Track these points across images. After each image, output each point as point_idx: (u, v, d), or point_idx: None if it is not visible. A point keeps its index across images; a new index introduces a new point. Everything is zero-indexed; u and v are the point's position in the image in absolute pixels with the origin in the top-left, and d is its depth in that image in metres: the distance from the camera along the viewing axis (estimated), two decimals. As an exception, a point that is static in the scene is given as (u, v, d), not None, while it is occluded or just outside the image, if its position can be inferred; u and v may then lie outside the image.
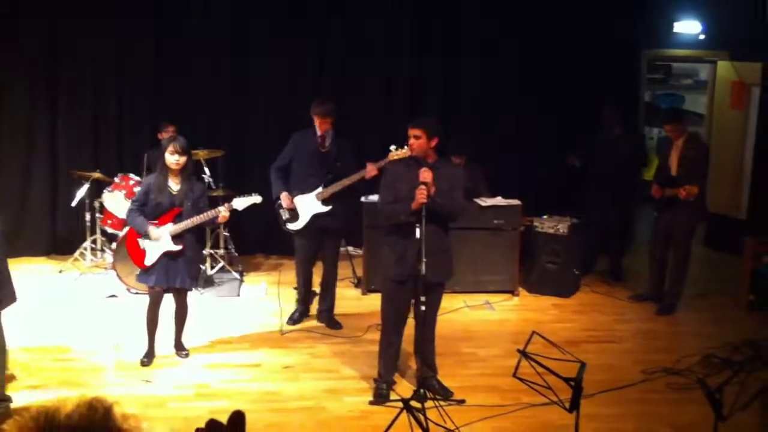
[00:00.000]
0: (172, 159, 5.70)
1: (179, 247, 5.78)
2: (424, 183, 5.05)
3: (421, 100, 8.99)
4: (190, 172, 5.89)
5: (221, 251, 8.11)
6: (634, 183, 8.39)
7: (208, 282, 7.79)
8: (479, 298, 7.58)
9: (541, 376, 3.81)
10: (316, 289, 7.05)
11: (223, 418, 2.16)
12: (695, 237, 7.67)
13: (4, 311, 4.98)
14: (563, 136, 8.76)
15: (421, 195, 5.03)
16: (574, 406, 3.86)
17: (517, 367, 3.92)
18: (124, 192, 7.59)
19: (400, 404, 3.58)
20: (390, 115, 8.72)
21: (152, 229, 5.74)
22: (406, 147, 5.67)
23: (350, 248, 8.30)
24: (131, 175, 7.80)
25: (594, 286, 8.06)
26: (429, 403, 4.51)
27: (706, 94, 10.56)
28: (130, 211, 5.89)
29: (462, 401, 5.39)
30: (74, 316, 6.89)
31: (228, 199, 6.15)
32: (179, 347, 6.09)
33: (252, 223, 8.41)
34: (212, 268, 8.01)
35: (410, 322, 5.45)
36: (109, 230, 7.84)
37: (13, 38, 8.24)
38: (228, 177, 8.19)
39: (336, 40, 8.86)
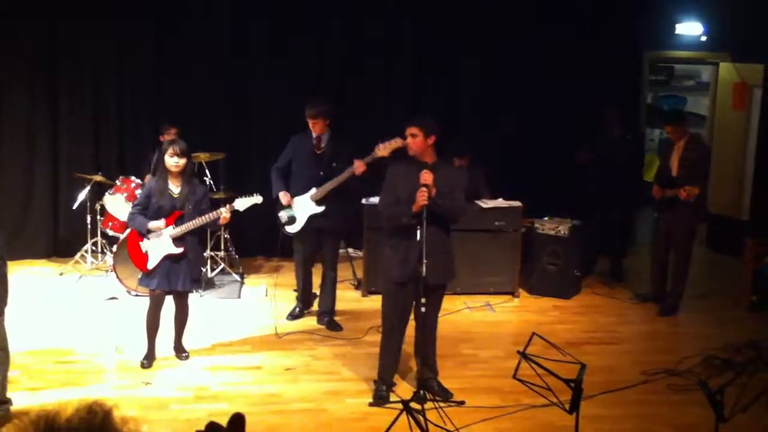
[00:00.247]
0: (172, 161, 5.71)
1: (180, 250, 5.77)
2: (425, 185, 5.04)
3: (421, 100, 8.98)
4: (190, 174, 5.89)
5: (222, 253, 8.11)
6: (635, 184, 8.38)
7: (209, 284, 7.79)
8: (480, 300, 7.57)
9: (541, 377, 3.81)
10: (317, 291, 7.05)
11: (224, 421, 2.15)
12: (697, 238, 7.66)
13: (5, 313, 4.97)
14: (563, 136, 8.75)
15: (421, 197, 5.01)
16: (574, 407, 3.86)
17: (517, 369, 3.92)
18: (125, 195, 7.58)
19: (400, 406, 3.58)
20: (390, 115, 8.70)
21: (152, 223, 5.74)
22: (397, 138, 5.66)
23: (350, 250, 8.30)
24: (132, 178, 7.79)
25: (595, 287, 8.05)
26: (429, 405, 4.52)
27: (708, 96, 10.54)
28: (132, 214, 5.89)
29: (462, 402, 5.38)
30: (75, 318, 6.88)
31: (229, 201, 6.15)
32: (179, 349, 6.08)
33: (252, 226, 8.40)
34: (213, 270, 8.01)
35: (411, 323, 5.44)
36: (110, 233, 7.82)
37: (13, 38, 8.23)
38: (228, 178, 8.18)
39: (336, 40, 8.85)
